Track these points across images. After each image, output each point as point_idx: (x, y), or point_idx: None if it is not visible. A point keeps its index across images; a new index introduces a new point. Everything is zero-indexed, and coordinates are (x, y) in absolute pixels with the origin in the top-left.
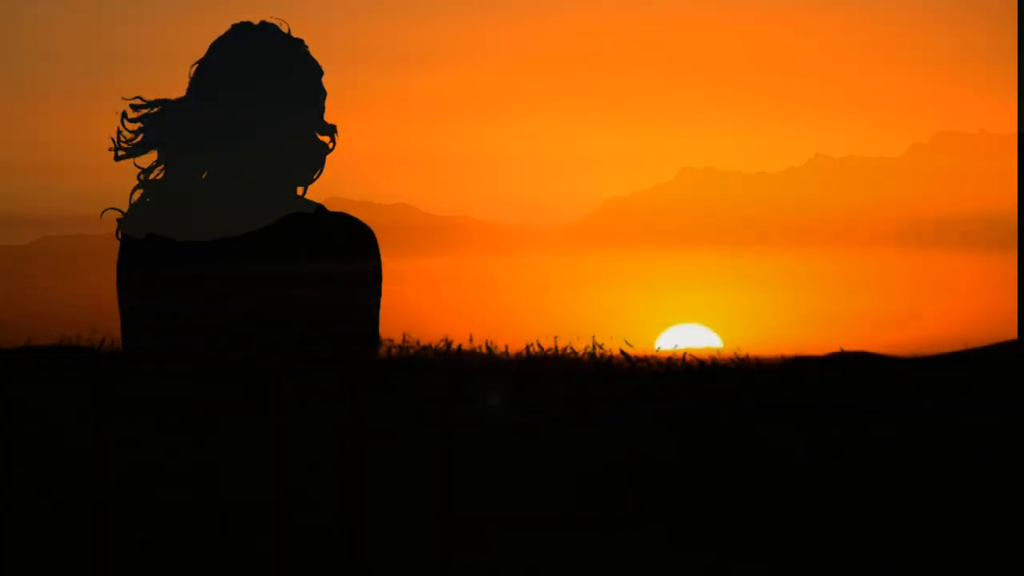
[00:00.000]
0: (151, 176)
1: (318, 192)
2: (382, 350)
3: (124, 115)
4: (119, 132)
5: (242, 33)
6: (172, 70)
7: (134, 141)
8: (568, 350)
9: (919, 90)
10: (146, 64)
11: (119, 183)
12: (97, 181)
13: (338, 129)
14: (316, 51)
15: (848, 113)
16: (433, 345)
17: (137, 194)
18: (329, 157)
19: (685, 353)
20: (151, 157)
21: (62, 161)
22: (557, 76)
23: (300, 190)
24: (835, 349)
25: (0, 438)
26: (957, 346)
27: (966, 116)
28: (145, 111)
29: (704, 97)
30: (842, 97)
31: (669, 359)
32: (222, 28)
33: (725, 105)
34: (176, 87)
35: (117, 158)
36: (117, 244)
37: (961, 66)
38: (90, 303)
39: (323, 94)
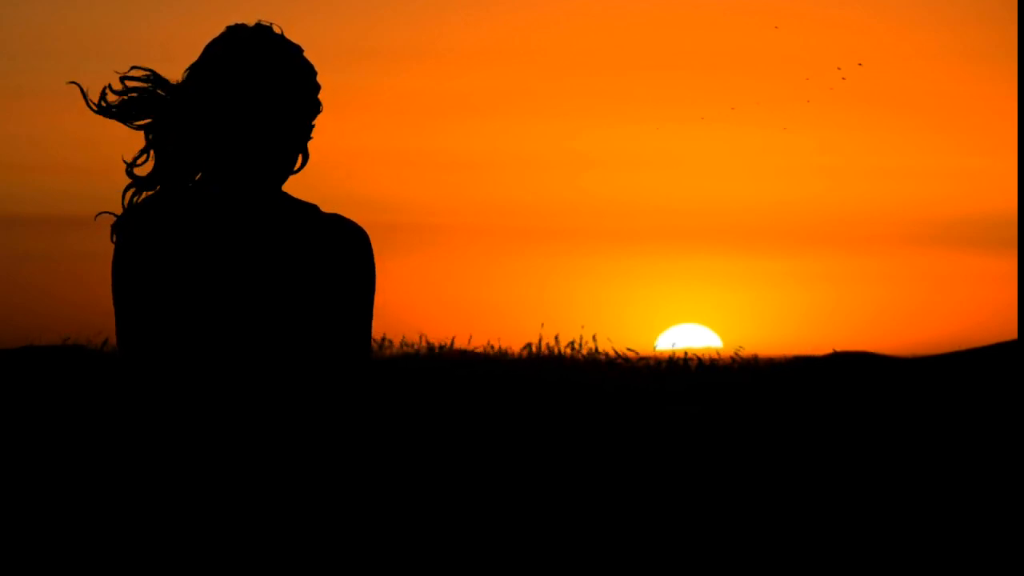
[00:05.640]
0: (136, 163)
1: (312, 192)
2: (375, 351)
3: (122, 80)
4: (104, 92)
5: (236, 35)
6: (171, 70)
7: (122, 99)
8: (568, 350)
9: (919, 90)
10: (145, 64)
11: (119, 183)
12: (97, 181)
13: (333, 128)
14: (309, 51)
15: (849, 113)
16: (433, 346)
17: (129, 194)
18: (326, 157)
19: (685, 353)
20: (137, 146)
21: (62, 161)
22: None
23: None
24: (835, 349)
25: (0, 437)
26: (957, 346)
27: (966, 116)
28: (137, 83)
29: (704, 96)
30: (842, 97)
31: (669, 359)
32: (219, 28)
33: (725, 104)
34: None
35: (98, 110)
36: (113, 245)
37: (961, 65)
38: (90, 304)
39: (317, 95)
